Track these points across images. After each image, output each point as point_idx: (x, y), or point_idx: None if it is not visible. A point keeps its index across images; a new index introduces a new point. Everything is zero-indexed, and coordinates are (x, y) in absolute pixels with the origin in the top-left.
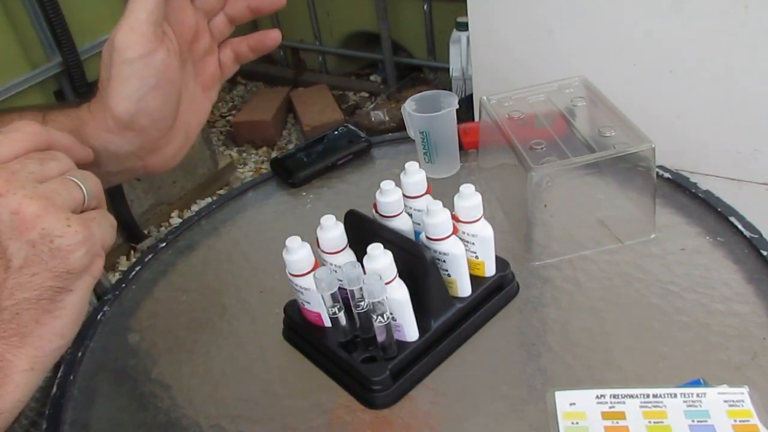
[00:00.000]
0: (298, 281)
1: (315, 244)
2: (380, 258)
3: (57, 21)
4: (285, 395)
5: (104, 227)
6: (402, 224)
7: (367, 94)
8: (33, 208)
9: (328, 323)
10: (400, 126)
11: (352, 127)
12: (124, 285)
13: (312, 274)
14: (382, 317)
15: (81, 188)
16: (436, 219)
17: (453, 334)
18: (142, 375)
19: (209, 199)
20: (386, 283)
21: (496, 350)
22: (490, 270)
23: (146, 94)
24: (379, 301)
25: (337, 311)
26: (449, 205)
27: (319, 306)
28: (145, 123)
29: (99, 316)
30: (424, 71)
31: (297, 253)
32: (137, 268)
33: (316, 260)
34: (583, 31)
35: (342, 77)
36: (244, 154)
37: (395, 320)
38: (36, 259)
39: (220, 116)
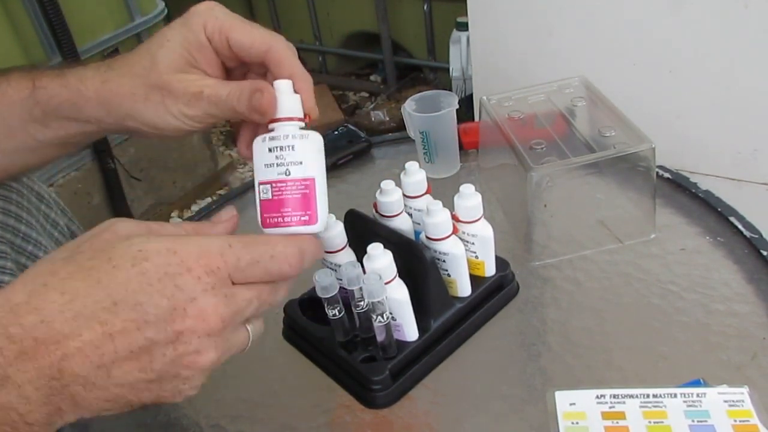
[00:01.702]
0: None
1: None
2: (380, 258)
3: (57, 21)
4: (285, 395)
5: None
6: (402, 224)
7: (367, 94)
8: (208, 352)
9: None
10: (400, 126)
11: (352, 127)
12: None
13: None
14: (382, 317)
15: (249, 335)
16: (436, 219)
17: (453, 334)
18: None
19: (209, 199)
20: (386, 283)
21: (496, 350)
22: (490, 270)
23: None
24: (378, 301)
25: (337, 312)
26: (449, 205)
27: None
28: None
29: None
30: (424, 71)
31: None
32: None
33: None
34: (583, 31)
35: (342, 77)
36: None
37: (395, 320)
38: (168, 373)
39: None
